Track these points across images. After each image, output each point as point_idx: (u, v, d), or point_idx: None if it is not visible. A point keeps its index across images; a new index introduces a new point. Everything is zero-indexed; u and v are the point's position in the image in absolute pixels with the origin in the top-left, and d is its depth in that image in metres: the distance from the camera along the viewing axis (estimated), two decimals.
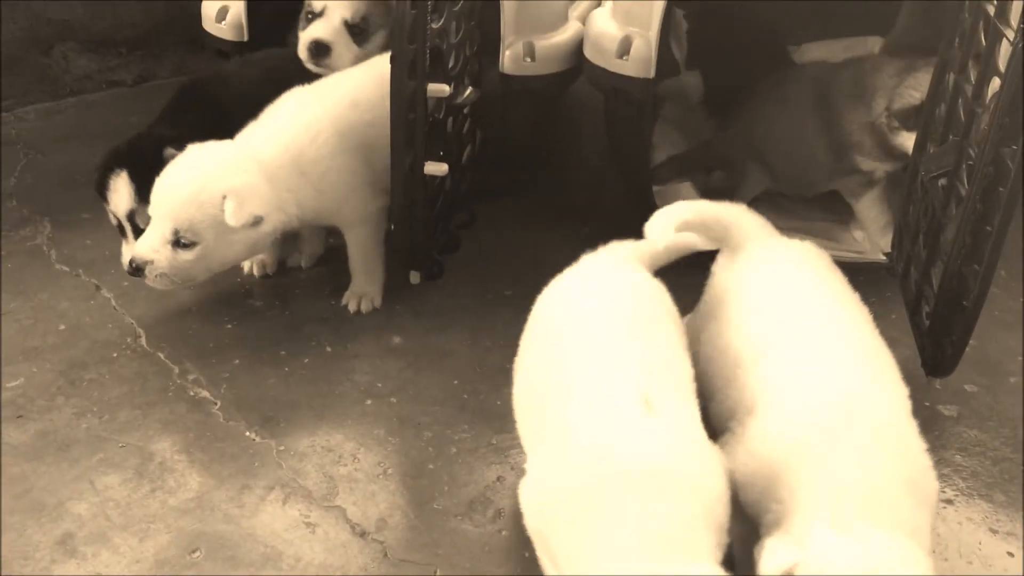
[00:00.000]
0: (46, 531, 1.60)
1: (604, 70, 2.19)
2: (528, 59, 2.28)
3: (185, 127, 2.12)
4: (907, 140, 2.20)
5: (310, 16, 2.31)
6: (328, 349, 2.08)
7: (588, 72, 2.27)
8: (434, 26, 1.86)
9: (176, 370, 2.00)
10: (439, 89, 1.83)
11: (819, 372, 1.45)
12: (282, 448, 1.81)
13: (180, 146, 2.00)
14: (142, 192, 2.02)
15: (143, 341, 2.08)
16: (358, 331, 2.14)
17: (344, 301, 2.20)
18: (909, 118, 2.21)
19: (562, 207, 2.67)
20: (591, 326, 1.48)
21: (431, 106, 1.92)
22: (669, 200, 2.46)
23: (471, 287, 2.31)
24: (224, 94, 2.26)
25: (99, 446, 1.78)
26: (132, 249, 1.98)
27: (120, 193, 2.07)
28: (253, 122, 2.07)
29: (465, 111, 2.24)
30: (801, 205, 2.58)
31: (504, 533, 1.64)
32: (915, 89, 2.22)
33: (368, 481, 1.74)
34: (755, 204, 2.56)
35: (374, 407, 1.92)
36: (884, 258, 2.32)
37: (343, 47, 2.30)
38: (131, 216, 2.08)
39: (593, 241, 2.48)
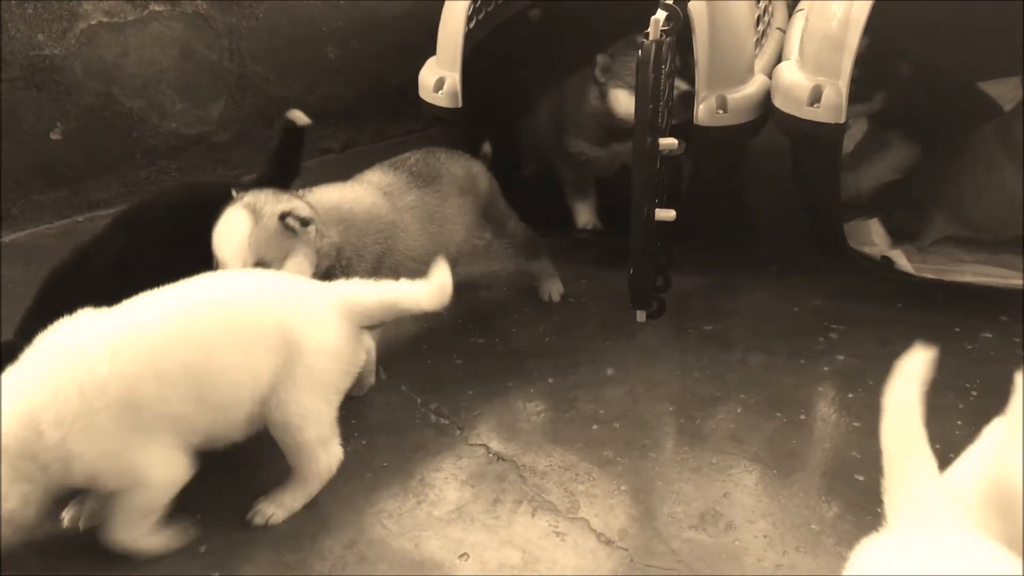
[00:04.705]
0: (335, 537, 1.84)
1: (796, 118, 2.35)
2: (721, 111, 2.47)
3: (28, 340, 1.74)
4: None
5: None
6: (550, 380, 2.29)
7: (778, 120, 2.43)
8: None
9: (419, 400, 2.24)
10: (670, 143, 2.03)
11: None
12: (523, 466, 2.01)
13: None
14: None
15: (384, 376, 2.34)
16: (575, 365, 2.34)
17: None
18: None
19: (750, 247, 2.83)
20: None
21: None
22: (857, 236, 2.60)
23: (671, 324, 2.48)
24: (89, 290, 1.87)
25: (366, 467, 2.03)
26: None
27: None
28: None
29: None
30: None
31: (737, 543, 1.79)
32: None
33: (605, 496, 1.92)
34: (942, 240, 2.67)
35: (600, 432, 2.11)
36: None
37: None
38: None
39: (783, 277, 2.65)
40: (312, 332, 1.82)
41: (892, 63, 2.62)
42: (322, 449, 1.88)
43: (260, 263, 1.97)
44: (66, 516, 1.87)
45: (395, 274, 2.20)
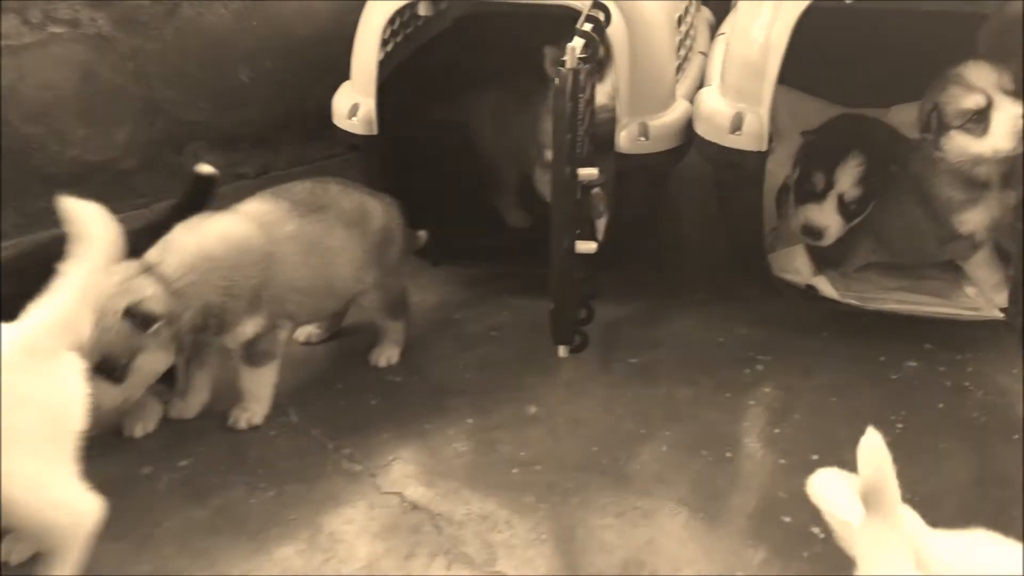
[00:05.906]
0: None
1: (718, 145, 2.30)
2: (642, 138, 2.41)
3: None
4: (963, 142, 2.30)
5: None
6: (470, 421, 2.20)
7: (700, 147, 2.38)
8: None
9: (331, 445, 2.13)
10: (590, 173, 1.96)
11: None
12: (439, 515, 1.91)
13: None
14: None
15: (295, 419, 2.22)
16: (496, 403, 2.25)
17: None
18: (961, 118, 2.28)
19: (675, 276, 2.78)
20: None
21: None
22: (782, 264, 2.56)
23: (596, 357, 2.40)
24: None
25: (272, 520, 1.91)
26: None
27: None
28: None
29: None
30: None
31: None
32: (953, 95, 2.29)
33: (525, 547, 1.83)
34: (866, 267, 2.65)
35: (521, 475, 2.02)
36: (1000, 314, 2.37)
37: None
38: None
39: (709, 306, 2.60)
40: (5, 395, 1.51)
41: (886, 170, 2.56)
42: (69, 511, 1.62)
43: (107, 361, 1.86)
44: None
45: (279, 304, 2.13)
